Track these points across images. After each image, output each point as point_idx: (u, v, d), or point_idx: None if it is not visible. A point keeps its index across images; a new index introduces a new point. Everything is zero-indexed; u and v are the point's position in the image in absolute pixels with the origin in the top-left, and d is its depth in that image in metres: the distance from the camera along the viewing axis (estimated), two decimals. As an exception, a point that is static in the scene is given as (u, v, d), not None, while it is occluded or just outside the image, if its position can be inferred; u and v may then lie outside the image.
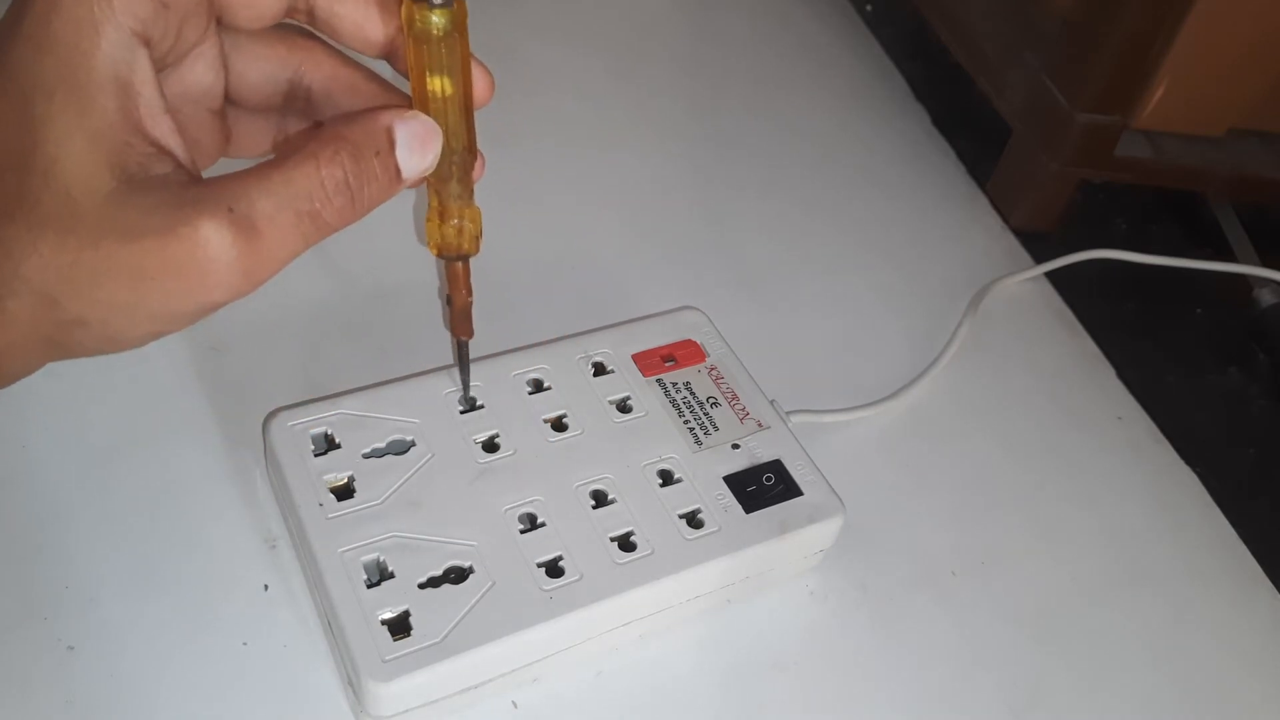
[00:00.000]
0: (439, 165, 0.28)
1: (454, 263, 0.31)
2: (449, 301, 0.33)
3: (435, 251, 0.31)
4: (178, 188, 0.24)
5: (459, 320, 0.33)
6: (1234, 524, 0.43)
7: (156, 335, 0.26)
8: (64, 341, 0.25)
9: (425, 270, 0.45)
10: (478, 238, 0.31)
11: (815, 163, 0.55)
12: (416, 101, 0.28)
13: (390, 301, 0.43)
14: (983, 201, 0.55)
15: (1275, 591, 0.41)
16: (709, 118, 0.56)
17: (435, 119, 0.28)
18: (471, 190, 0.30)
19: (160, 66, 0.26)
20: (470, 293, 0.32)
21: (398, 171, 0.27)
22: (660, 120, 0.55)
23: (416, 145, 0.27)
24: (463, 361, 0.35)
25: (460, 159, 0.29)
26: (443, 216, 0.30)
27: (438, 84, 0.27)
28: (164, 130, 0.25)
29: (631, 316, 0.41)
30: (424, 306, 0.43)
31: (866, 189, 0.54)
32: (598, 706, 0.33)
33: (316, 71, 0.30)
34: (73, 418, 0.37)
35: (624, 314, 0.41)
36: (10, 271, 0.24)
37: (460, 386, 0.36)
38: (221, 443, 0.37)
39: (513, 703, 0.33)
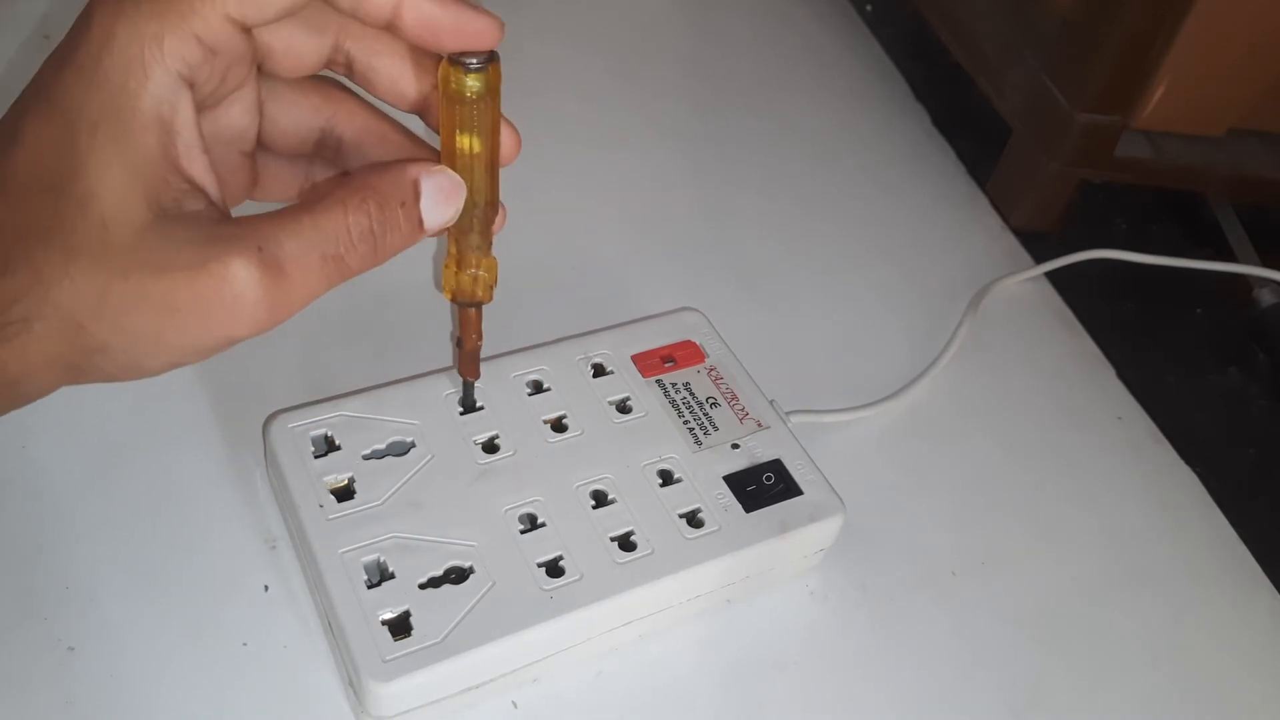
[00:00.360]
0: (461, 217, 0.29)
1: (467, 308, 0.32)
2: (459, 344, 0.33)
3: (450, 296, 0.31)
4: (210, 225, 0.25)
5: (467, 362, 0.34)
6: (1234, 524, 0.43)
7: (175, 366, 0.27)
8: (84, 366, 0.26)
9: (425, 272, 0.45)
10: (492, 287, 0.31)
11: (815, 163, 0.55)
12: (445, 157, 0.29)
13: (390, 303, 0.43)
14: (983, 201, 0.55)
15: (1275, 591, 0.41)
16: (709, 117, 0.56)
17: (461, 174, 0.28)
18: (490, 242, 0.31)
19: (201, 108, 0.27)
20: (480, 337, 0.33)
21: (420, 222, 0.28)
22: (660, 120, 0.55)
23: (441, 198, 0.28)
24: (467, 397, 0.36)
25: (482, 213, 0.29)
26: (460, 264, 0.31)
27: (467, 142, 0.28)
28: (200, 169, 0.26)
29: (631, 317, 0.41)
30: (424, 308, 0.43)
31: (866, 189, 0.54)
32: (598, 706, 0.33)
33: (349, 122, 0.30)
34: (74, 419, 0.37)
35: (624, 314, 0.41)
36: (41, 295, 0.24)
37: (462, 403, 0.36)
38: (222, 444, 0.37)
39: (513, 703, 0.33)
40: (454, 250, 0.31)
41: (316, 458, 0.34)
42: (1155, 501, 0.43)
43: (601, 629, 0.33)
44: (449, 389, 0.36)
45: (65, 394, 0.37)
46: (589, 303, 0.44)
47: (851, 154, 0.56)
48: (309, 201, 0.27)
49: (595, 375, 0.38)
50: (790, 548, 0.35)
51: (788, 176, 0.54)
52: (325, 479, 0.33)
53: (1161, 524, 0.43)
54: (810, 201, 0.53)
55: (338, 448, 0.34)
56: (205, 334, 0.25)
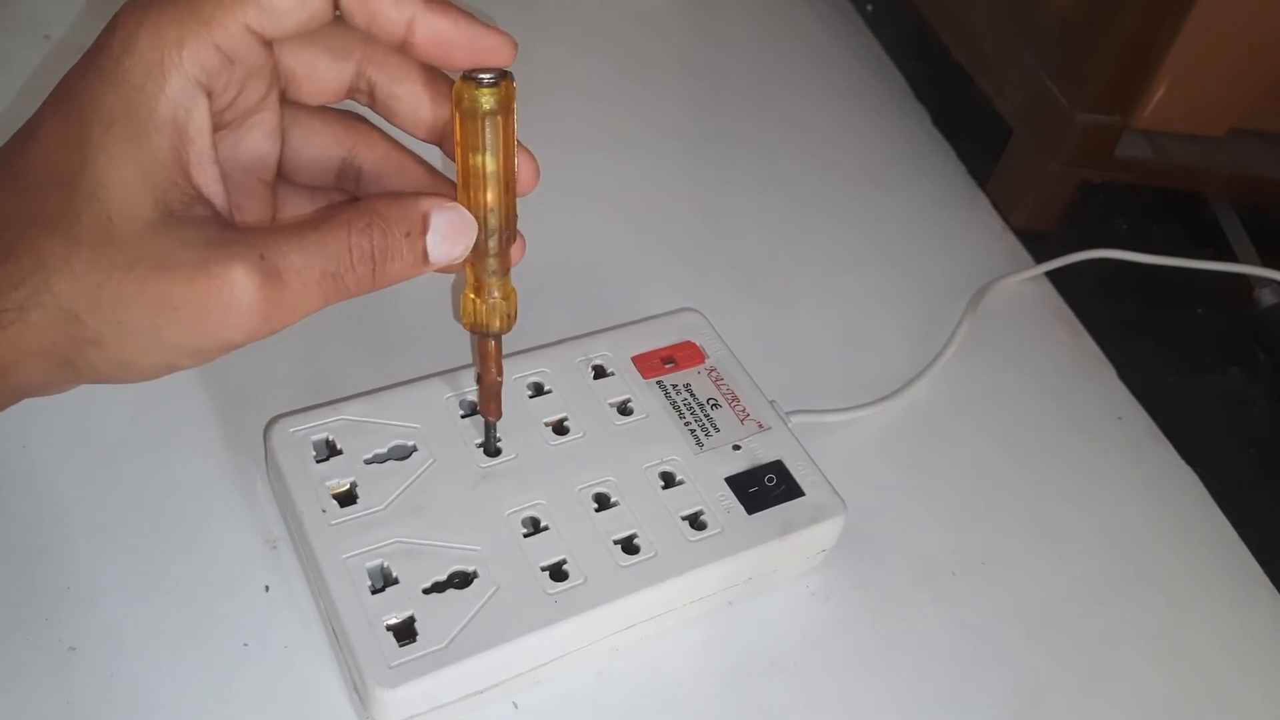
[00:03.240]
0: (477, 241, 0.29)
1: (486, 339, 0.32)
2: (478, 379, 0.33)
3: (468, 327, 0.31)
4: (215, 229, 0.26)
5: (487, 400, 0.33)
6: (1234, 524, 0.43)
7: (168, 369, 0.27)
8: (77, 362, 0.26)
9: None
10: (510, 317, 0.31)
11: (815, 162, 0.55)
12: (460, 177, 0.29)
13: (391, 304, 0.43)
14: (983, 201, 0.55)
15: (1275, 591, 0.41)
16: (709, 117, 0.56)
17: (475, 194, 0.28)
18: (508, 268, 0.30)
19: (219, 123, 0.27)
20: (500, 372, 0.33)
21: (424, 254, 0.28)
22: (660, 120, 0.55)
23: (450, 234, 0.28)
24: (489, 440, 0.35)
25: (499, 236, 0.29)
26: (478, 292, 0.30)
27: (480, 160, 0.28)
28: (208, 179, 0.26)
29: (631, 318, 0.41)
30: (424, 309, 0.43)
31: (867, 188, 0.54)
32: (599, 707, 0.33)
33: (370, 153, 0.31)
34: (74, 419, 0.37)
35: (623, 315, 0.41)
36: (40, 283, 0.25)
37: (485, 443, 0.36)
38: (222, 444, 0.37)
39: (514, 703, 0.33)
40: (471, 278, 0.30)
41: (318, 462, 0.34)
42: (1156, 501, 0.44)
43: (606, 632, 0.33)
44: (449, 392, 0.36)
45: (66, 394, 0.37)
46: (588, 303, 0.44)
47: (851, 154, 0.56)
48: (316, 219, 0.27)
49: (596, 377, 0.38)
50: (792, 549, 0.35)
51: (787, 176, 0.53)
52: (327, 484, 0.33)
53: (1162, 524, 0.43)
54: (810, 201, 0.53)
55: (339, 452, 0.34)
56: (199, 335, 0.26)
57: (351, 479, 0.33)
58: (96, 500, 0.35)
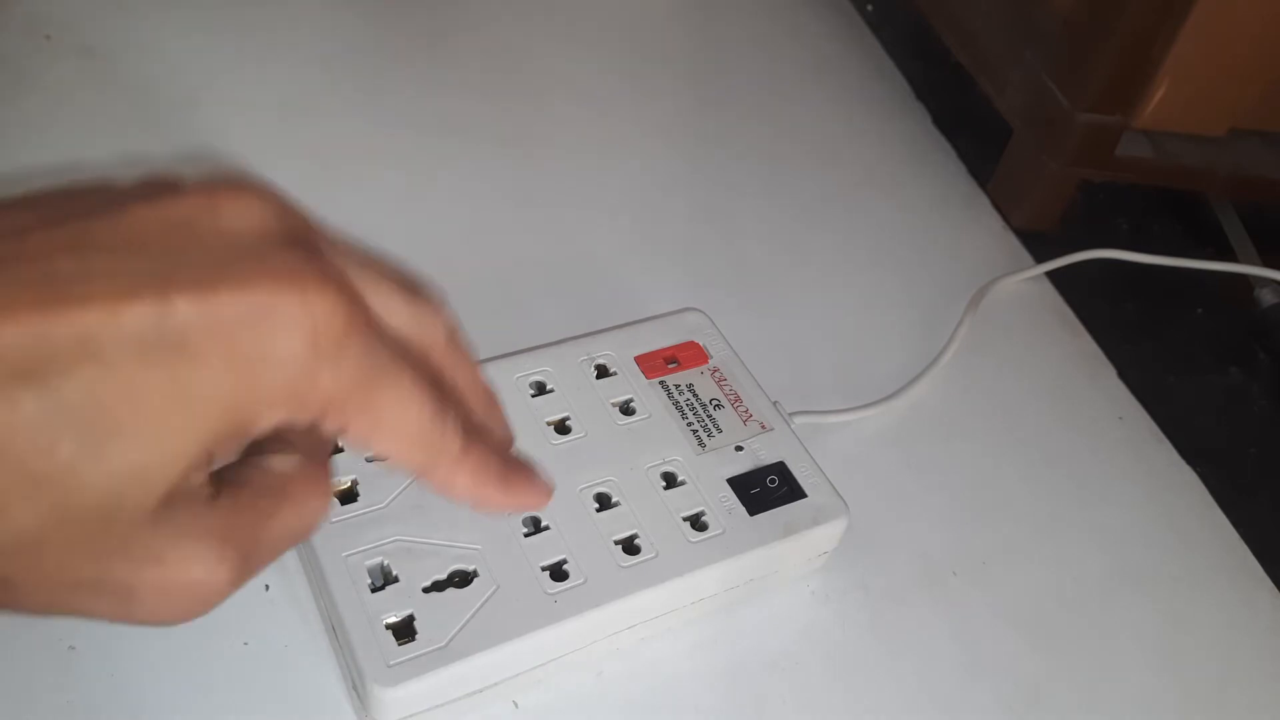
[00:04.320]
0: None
1: None
2: None
3: None
4: (203, 507, 0.23)
5: None
6: (1234, 524, 0.43)
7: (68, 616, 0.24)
8: None
9: (427, 272, 0.45)
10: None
11: (816, 163, 0.55)
12: None
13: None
14: (983, 201, 0.55)
15: (1275, 591, 0.41)
16: (710, 118, 0.56)
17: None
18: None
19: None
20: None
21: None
22: (661, 121, 0.55)
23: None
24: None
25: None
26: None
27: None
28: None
29: (634, 318, 0.41)
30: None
31: (867, 189, 0.54)
32: (599, 707, 0.33)
33: None
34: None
35: (626, 315, 0.41)
36: None
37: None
38: (223, 444, 0.37)
39: (514, 702, 0.33)
40: None
41: (319, 459, 0.34)
42: (1156, 502, 0.44)
43: (606, 632, 0.33)
44: (451, 390, 0.36)
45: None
46: (591, 303, 0.44)
47: (852, 154, 0.56)
48: (281, 496, 0.24)
49: (598, 377, 0.38)
50: (794, 551, 0.35)
51: (788, 176, 0.53)
52: (328, 481, 0.33)
53: (1162, 524, 0.43)
54: (811, 201, 0.53)
55: (339, 450, 0.34)
56: (141, 616, 0.23)
57: (352, 476, 0.33)
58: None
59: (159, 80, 0.49)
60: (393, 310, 0.25)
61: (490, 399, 0.28)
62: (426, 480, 0.26)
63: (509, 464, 0.27)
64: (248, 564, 0.23)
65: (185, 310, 0.20)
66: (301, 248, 0.22)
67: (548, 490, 0.28)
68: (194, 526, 0.22)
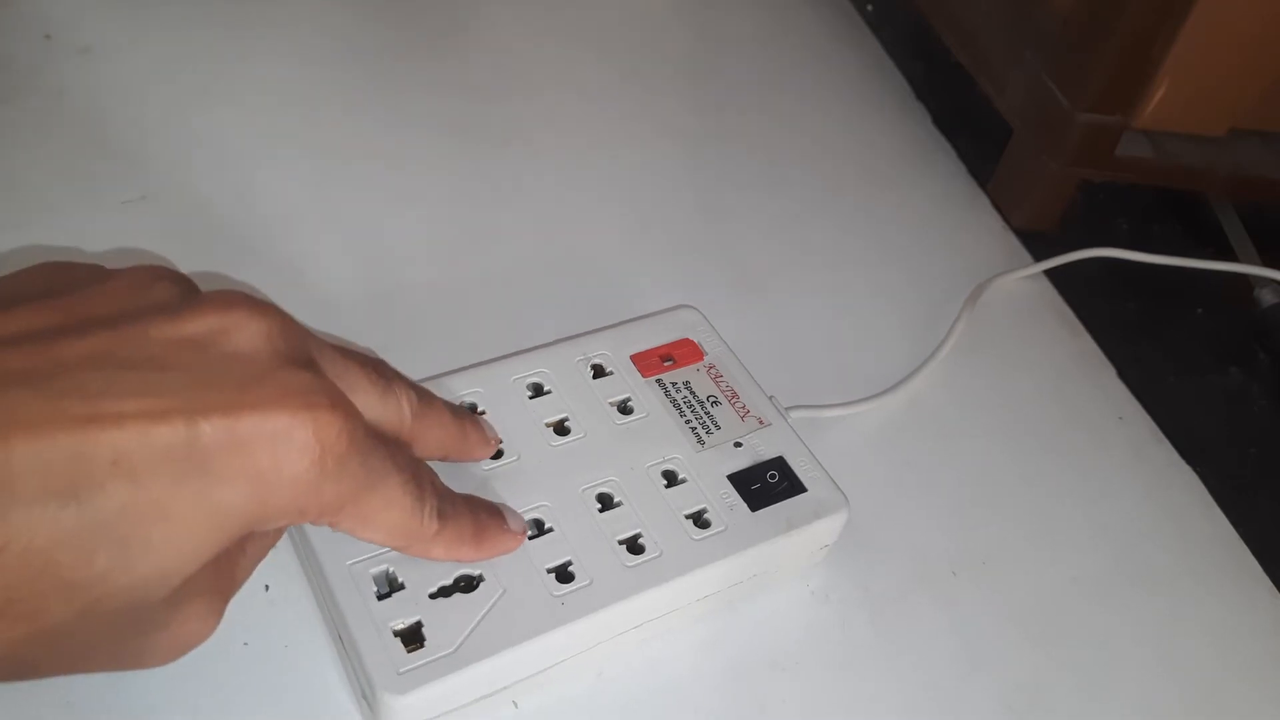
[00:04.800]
0: None
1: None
2: None
3: None
4: (212, 577, 0.25)
5: None
6: (1234, 524, 0.43)
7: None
8: None
9: (425, 272, 0.45)
10: None
11: (815, 162, 0.55)
12: None
13: (393, 306, 0.43)
14: (983, 201, 0.55)
15: (1275, 591, 0.41)
16: (708, 116, 0.56)
17: None
18: None
19: None
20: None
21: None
22: (659, 119, 0.55)
23: None
24: None
25: None
26: None
27: None
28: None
29: (628, 316, 0.41)
30: (425, 309, 0.43)
31: (866, 188, 0.54)
32: (599, 707, 0.33)
33: None
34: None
35: (620, 314, 0.41)
36: None
37: None
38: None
39: (513, 702, 0.33)
40: None
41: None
42: (1156, 501, 0.44)
43: (614, 632, 0.33)
44: (449, 395, 0.36)
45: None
46: (586, 302, 0.44)
47: (851, 153, 0.56)
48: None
49: (595, 376, 0.38)
50: (796, 545, 0.35)
51: (786, 175, 0.53)
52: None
53: (1162, 524, 0.43)
54: (809, 200, 0.53)
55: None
56: (124, 663, 0.25)
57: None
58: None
59: (159, 80, 0.49)
60: (370, 404, 0.28)
61: (462, 427, 0.32)
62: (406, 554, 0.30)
63: (479, 525, 0.31)
64: (227, 602, 0.26)
65: (211, 433, 0.23)
66: (307, 368, 0.25)
67: (519, 537, 0.32)
68: (192, 591, 0.24)
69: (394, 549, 0.30)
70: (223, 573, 0.25)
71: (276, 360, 0.25)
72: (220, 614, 0.26)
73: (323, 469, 0.24)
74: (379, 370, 0.29)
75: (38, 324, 0.23)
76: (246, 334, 0.24)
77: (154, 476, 0.22)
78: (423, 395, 0.30)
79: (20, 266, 0.26)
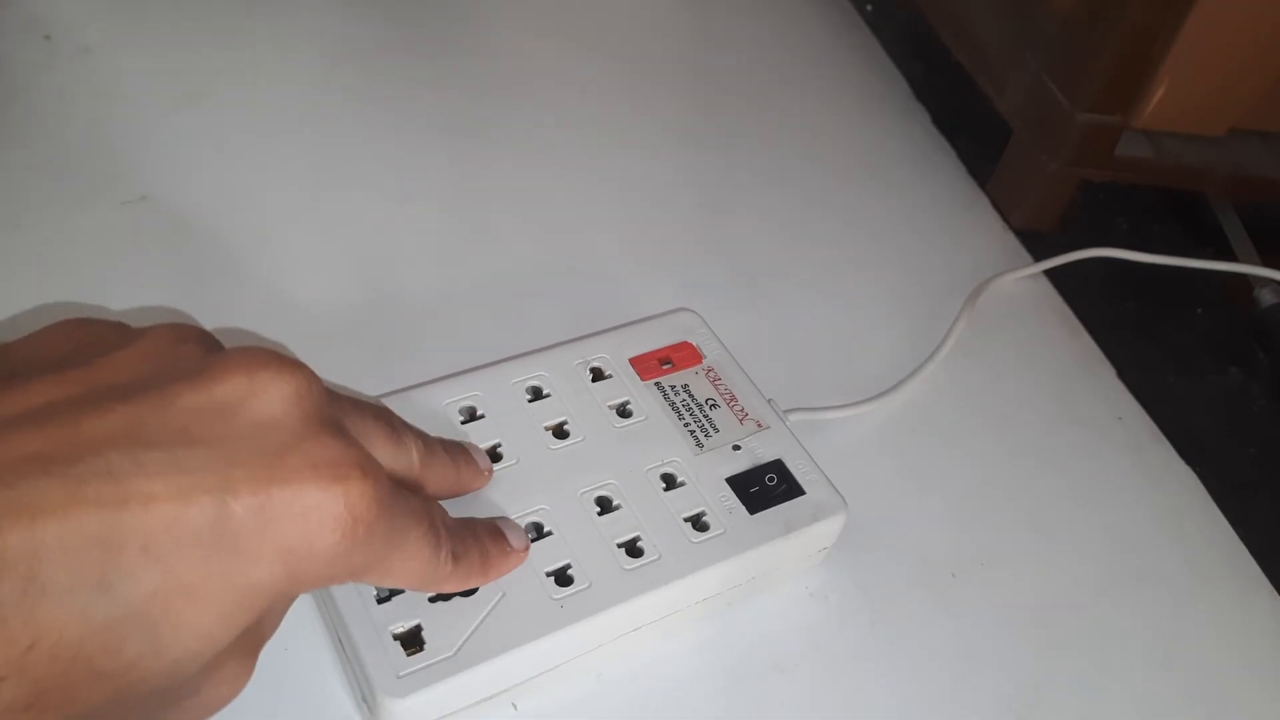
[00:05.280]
0: None
1: None
2: None
3: None
4: (241, 640, 0.24)
5: None
6: (1234, 524, 0.43)
7: None
8: None
9: (424, 274, 0.45)
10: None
11: (814, 162, 0.55)
12: None
13: (393, 306, 0.43)
14: (983, 201, 0.55)
15: (1275, 591, 0.41)
16: (707, 117, 0.56)
17: None
18: None
19: None
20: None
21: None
22: (658, 119, 0.55)
23: None
24: None
25: None
26: None
27: None
28: None
29: (627, 319, 0.41)
30: (424, 312, 0.43)
31: (866, 188, 0.54)
32: (599, 709, 0.33)
33: None
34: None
35: (620, 316, 0.41)
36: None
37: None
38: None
39: (513, 705, 0.33)
40: None
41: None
42: (1155, 501, 0.44)
43: (613, 635, 0.33)
44: (449, 398, 0.36)
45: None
46: (585, 305, 0.44)
47: (851, 153, 0.56)
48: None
49: (594, 380, 0.38)
50: (795, 548, 0.35)
51: (786, 175, 0.53)
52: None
53: (1162, 524, 0.43)
54: (809, 200, 0.53)
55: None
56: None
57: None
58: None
59: (159, 80, 0.49)
60: (386, 456, 0.28)
61: (457, 465, 0.32)
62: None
63: (486, 555, 0.31)
64: (256, 657, 0.26)
65: (241, 512, 0.22)
66: (335, 433, 0.25)
67: (522, 555, 0.32)
68: (222, 658, 0.24)
69: (409, 590, 0.31)
70: (251, 634, 0.25)
71: (304, 426, 0.24)
72: (251, 670, 0.25)
73: (354, 539, 0.24)
74: (389, 421, 0.29)
75: (59, 396, 0.22)
76: (273, 397, 0.24)
77: (183, 559, 0.22)
78: (424, 439, 0.30)
79: (40, 324, 0.26)
